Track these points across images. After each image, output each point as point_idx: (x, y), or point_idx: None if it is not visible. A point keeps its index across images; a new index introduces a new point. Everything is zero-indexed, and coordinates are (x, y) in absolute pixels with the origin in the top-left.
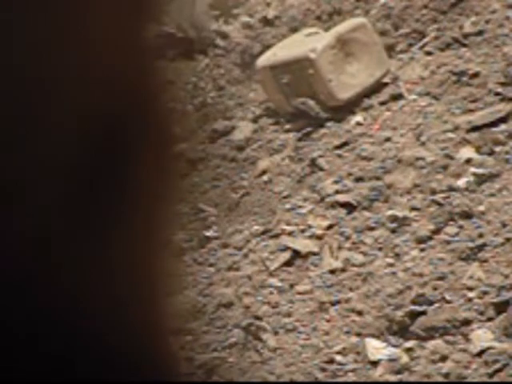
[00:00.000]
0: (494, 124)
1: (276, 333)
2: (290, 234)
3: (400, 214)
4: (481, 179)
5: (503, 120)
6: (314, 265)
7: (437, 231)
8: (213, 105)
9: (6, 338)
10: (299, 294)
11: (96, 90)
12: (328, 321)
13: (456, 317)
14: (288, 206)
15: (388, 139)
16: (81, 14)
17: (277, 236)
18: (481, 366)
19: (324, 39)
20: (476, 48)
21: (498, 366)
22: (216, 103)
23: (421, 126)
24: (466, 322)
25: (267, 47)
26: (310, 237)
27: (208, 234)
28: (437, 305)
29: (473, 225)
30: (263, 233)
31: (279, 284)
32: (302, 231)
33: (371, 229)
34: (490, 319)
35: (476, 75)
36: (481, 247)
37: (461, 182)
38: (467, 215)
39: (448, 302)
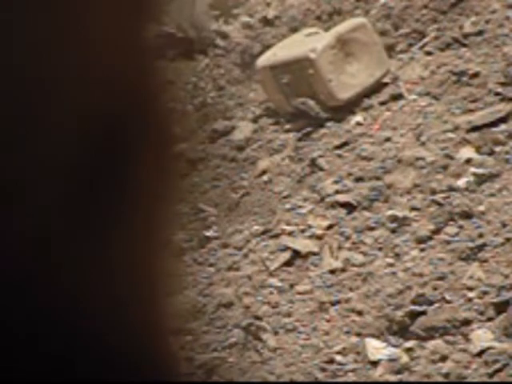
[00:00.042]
0: (494, 124)
1: (276, 333)
2: (290, 234)
3: (400, 213)
4: (481, 179)
5: (503, 120)
6: (314, 265)
7: (437, 231)
8: (213, 105)
9: (5, 338)
10: (299, 294)
11: (96, 89)
12: (328, 321)
13: (456, 317)
14: (288, 205)
15: (388, 139)
16: (81, 14)
17: (277, 236)
18: (481, 366)
19: (324, 39)
20: (476, 48)
21: (497, 365)
22: (216, 103)
23: (421, 126)
24: (466, 322)
25: (267, 47)
26: (310, 237)
27: (208, 233)
28: (437, 305)
29: (473, 225)
30: (263, 233)
31: (279, 284)
32: (302, 231)
33: (371, 229)
34: (490, 319)
35: (476, 75)
36: (481, 247)
37: (461, 182)
38: (467, 215)
39: (448, 301)
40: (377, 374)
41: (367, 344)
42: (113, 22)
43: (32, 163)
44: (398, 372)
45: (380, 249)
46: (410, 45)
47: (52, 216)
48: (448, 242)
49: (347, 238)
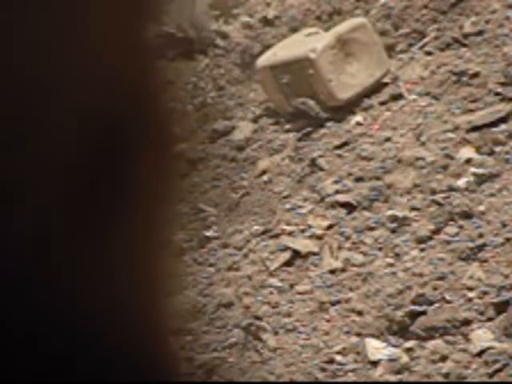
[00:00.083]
0: (494, 124)
1: (276, 333)
2: (290, 234)
3: (400, 213)
4: (481, 179)
5: (503, 120)
6: (314, 265)
7: (437, 231)
8: (213, 105)
9: (6, 338)
10: (299, 293)
11: (96, 90)
12: (328, 321)
13: (456, 317)
14: (288, 205)
15: (388, 139)
16: (81, 13)
17: (277, 236)
18: (481, 366)
19: (324, 39)
20: (476, 48)
21: (497, 365)
22: (216, 103)
23: (421, 126)
24: (466, 322)
25: (267, 47)
26: (310, 237)
27: (208, 233)
28: (437, 305)
29: (473, 225)
30: (263, 233)
31: (279, 284)
32: (302, 231)
33: (371, 229)
34: (490, 319)
35: (476, 75)
36: (481, 247)
37: (461, 182)
38: (467, 215)
39: (448, 302)
40: (377, 373)
41: (367, 344)
42: (113, 21)
43: (32, 163)
44: (398, 372)
45: (380, 249)
46: (410, 45)
47: (52, 216)
48: (448, 242)
49: (347, 238)
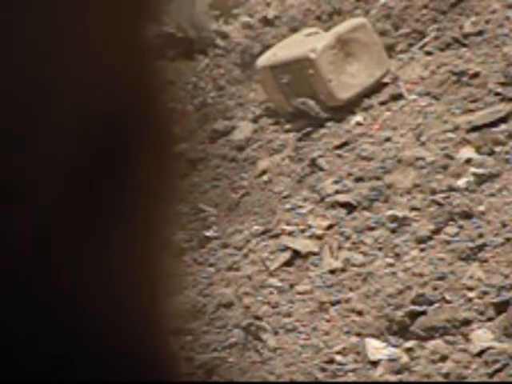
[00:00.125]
0: (494, 124)
1: (276, 333)
2: (290, 234)
3: (400, 213)
4: (481, 179)
5: (503, 120)
6: (314, 265)
7: (437, 231)
8: (213, 105)
9: (6, 338)
10: (299, 293)
11: (96, 89)
12: (328, 321)
13: (456, 317)
14: (288, 205)
15: (388, 139)
16: (81, 13)
17: (277, 236)
18: (481, 366)
19: (324, 39)
20: (476, 48)
21: (497, 365)
22: (216, 103)
23: (421, 125)
24: (466, 322)
25: (267, 47)
26: (310, 237)
27: (208, 233)
28: (437, 305)
29: (473, 225)
30: (263, 233)
31: (279, 284)
32: (302, 231)
33: (371, 229)
34: (490, 319)
35: (476, 75)
36: (481, 247)
37: (461, 182)
38: (467, 215)
39: (448, 301)
40: (377, 373)
41: (367, 344)
42: (113, 21)
43: (32, 163)
44: (398, 372)
45: (380, 249)
46: (410, 45)
47: (52, 216)
48: (448, 242)
49: (347, 238)
